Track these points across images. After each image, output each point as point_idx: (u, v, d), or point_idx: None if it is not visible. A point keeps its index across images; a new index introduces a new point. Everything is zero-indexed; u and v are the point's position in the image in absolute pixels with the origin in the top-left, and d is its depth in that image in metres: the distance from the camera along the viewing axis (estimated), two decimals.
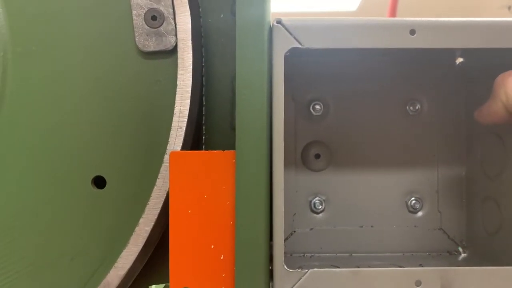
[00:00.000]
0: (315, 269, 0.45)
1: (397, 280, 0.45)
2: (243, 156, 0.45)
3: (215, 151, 0.47)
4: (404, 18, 0.45)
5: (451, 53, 0.59)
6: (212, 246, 0.46)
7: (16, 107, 0.55)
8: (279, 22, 0.44)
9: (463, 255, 0.62)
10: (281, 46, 0.44)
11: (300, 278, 0.44)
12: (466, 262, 0.60)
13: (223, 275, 0.46)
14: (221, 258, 0.46)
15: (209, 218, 0.46)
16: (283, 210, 0.44)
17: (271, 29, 0.45)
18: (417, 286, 0.45)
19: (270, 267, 0.46)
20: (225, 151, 0.47)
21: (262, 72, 0.45)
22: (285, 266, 0.44)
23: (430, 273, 0.45)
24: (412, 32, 0.45)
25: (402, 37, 0.45)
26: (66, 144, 0.55)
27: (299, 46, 0.44)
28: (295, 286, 0.44)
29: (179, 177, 0.47)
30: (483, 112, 0.51)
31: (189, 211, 0.46)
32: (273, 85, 0.45)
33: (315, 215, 0.62)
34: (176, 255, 0.46)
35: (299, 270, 0.45)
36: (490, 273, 0.45)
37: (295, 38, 0.44)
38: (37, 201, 0.55)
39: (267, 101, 0.45)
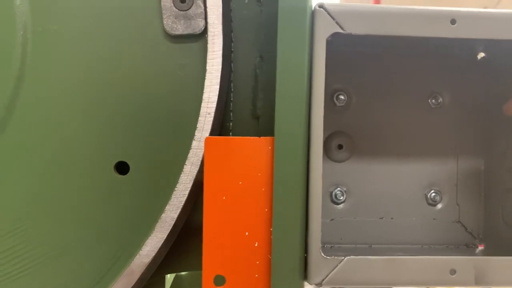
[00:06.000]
0: (352, 256, 0.44)
1: (432, 268, 0.45)
2: (282, 143, 0.44)
3: (251, 137, 0.46)
4: (445, 8, 0.45)
5: (473, 48, 0.60)
6: (247, 233, 0.45)
7: (35, 87, 0.53)
8: (321, 6, 0.44)
9: (479, 248, 0.62)
10: (323, 31, 0.44)
11: (337, 265, 0.44)
12: (483, 255, 0.61)
13: (257, 262, 0.45)
14: (255, 245, 0.45)
15: (244, 205, 0.45)
16: (321, 197, 0.44)
17: (312, 13, 0.45)
18: (452, 274, 0.45)
19: (305, 255, 0.46)
20: (261, 137, 0.46)
21: (302, 58, 0.44)
22: (322, 253, 0.44)
23: (464, 262, 0.45)
24: (453, 21, 0.45)
25: (443, 26, 0.45)
26: (88, 128, 0.53)
27: (341, 31, 0.44)
28: (332, 273, 0.44)
29: (214, 163, 0.46)
30: None
31: (224, 198, 0.45)
32: (313, 70, 0.44)
33: (335, 205, 0.62)
34: (210, 242, 0.45)
35: (335, 258, 0.44)
36: None
37: (337, 23, 0.44)
38: (57, 187, 0.53)
39: (307, 88, 0.44)
